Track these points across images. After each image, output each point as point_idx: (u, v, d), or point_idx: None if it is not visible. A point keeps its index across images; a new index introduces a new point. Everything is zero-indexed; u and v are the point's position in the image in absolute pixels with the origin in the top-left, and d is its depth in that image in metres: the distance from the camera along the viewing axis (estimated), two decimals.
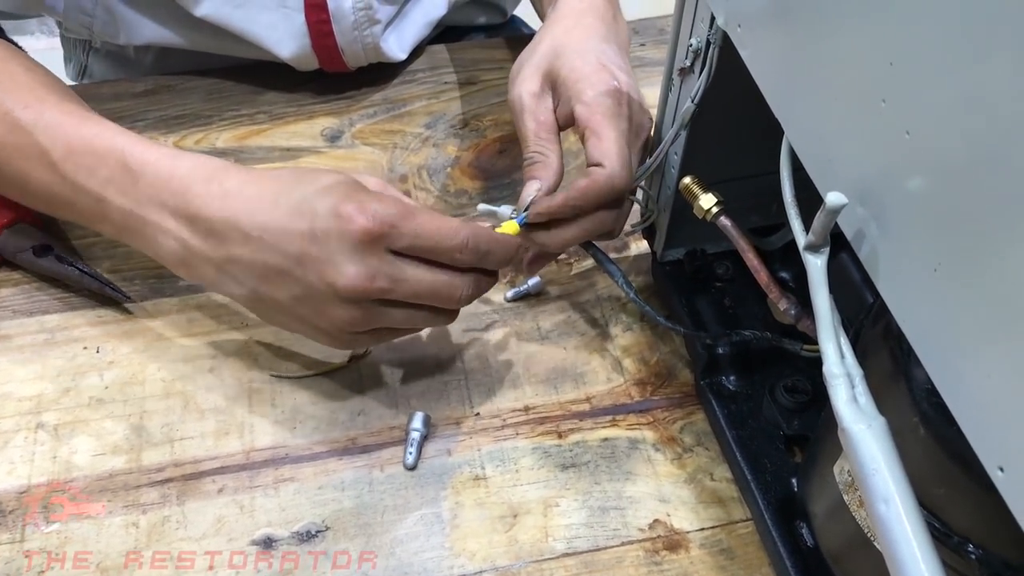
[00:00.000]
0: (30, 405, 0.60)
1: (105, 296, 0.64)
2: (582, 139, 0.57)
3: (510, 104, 0.61)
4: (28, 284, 0.66)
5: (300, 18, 0.75)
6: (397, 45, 0.81)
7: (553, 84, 0.60)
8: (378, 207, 0.50)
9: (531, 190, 0.57)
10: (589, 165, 0.56)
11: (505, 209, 0.58)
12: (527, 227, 0.56)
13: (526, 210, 0.56)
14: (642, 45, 0.87)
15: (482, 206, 0.60)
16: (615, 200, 0.56)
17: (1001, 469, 0.31)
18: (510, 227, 0.56)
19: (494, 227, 0.56)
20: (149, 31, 0.78)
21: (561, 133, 0.60)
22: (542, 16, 0.77)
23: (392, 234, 0.50)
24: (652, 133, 0.61)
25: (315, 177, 0.52)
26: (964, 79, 0.31)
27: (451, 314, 0.56)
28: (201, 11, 0.74)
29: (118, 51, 0.89)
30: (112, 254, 0.68)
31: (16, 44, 0.70)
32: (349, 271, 0.49)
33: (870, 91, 0.36)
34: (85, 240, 0.68)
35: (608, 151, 0.55)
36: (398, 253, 0.51)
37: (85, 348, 0.63)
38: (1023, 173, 0.29)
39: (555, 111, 0.60)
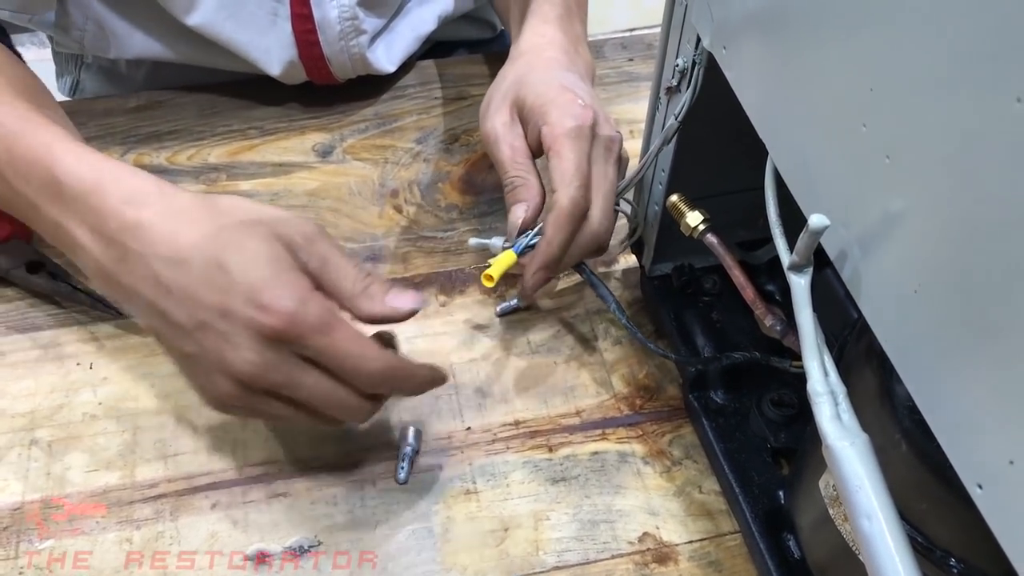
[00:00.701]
0: (24, 421, 0.60)
1: (97, 312, 0.65)
2: (547, 161, 0.59)
3: (484, 137, 0.63)
4: (21, 301, 0.66)
5: (288, 28, 0.76)
6: (386, 58, 0.82)
7: (520, 112, 0.62)
8: (297, 309, 0.47)
9: (518, 213, 0.58)
10: (553, 190, 0.57)
11: (497, 241, 0.60)
12: (522, 254, 0.58)
13: (519, 235, 0.58)
14: (630, 60, 0.88)
15: (473, 240, 0.61)
16: (583, 217, 0.58)
17: (980, 486, 0.32)
18: (507, 257, 0.58)
19: (489, 257, 0.58)
20: (139, 44, 0.78)
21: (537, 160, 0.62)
22: (508, 30, 0.78)
23: (298, 342, 0.48)
24: (636, 148, 0.62)
25: (240, 240, 0.49)
26: (942, 105, 0.32)
27: (339, 423, 0.53)
28: (193, 20, 0.74)
29: (110, 67, 0.89)
30: None
31: (15, 50, 0.71)
32: (245, 356, 0.47)
33: (851, 115, 0.37)
34: None
35: (566, 171, 0.57)
36: (304, 356, 0.49)
37: (78, 364, 0.63)
38: (998, 198, 0.30)
39: (526, 138, 0.62)
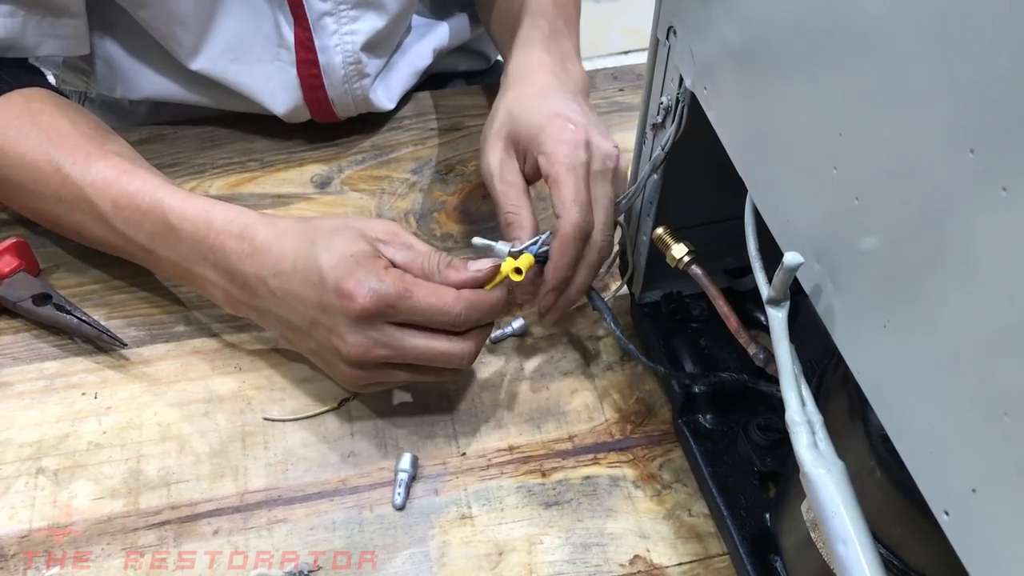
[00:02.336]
0: (30, 451, 0.61)
1: (102, 343, 0.67)
2: (549, 190, 0.61)
3: (482, 175, 0.66)
4: (27, 332, 0.68)
5: (292, 72, 0.78)
6: (385, 95, 0.84)
7: (515, 145, 0.64)
8: (378, 286, 0.54)
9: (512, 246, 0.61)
10: (555, 216, 0.60)
11: (503, 246, 0.61)
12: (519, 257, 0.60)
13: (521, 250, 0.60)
14: (620, 90, 0.90)
15: (477, 240, 0.62)
16: (587, 240, 0.60)
17: (946, 512, 0.34)
18: (525, 260, 0.59)
19: (489, 257, 0.60)
20: (147, 85, 0.80)
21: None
22: (504, 58, 0.80)
23: (389, 312, 0.55)
24: (628, 164, 0.64)
25: (328, 242, 0.56)
26: (904, 152, 0.34)
27: (455, 371, 0.61)
28: (196, 65, 0.76)
29: (113, 101, 0.91)
30: (108, 302, 0.70)
31: (61, 91, 0.73)
32: (350, 340, 0.55)
33: (822, 158, 0.39)
34: (82, 289, 0.71)
35: (566, 199, 0.59)
36: (399, 323, 0.56)
37: (83, 394, 0.65)
38: (958, 240, 0.32)
39: (523, 170, 0.64)
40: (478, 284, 0.58)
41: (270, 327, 0.62)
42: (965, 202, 0.31)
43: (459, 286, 0.57)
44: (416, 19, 0.88)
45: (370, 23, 0.78)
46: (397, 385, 0.64)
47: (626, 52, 2.19)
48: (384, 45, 0.81)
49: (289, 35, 0.76)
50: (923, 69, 0.32)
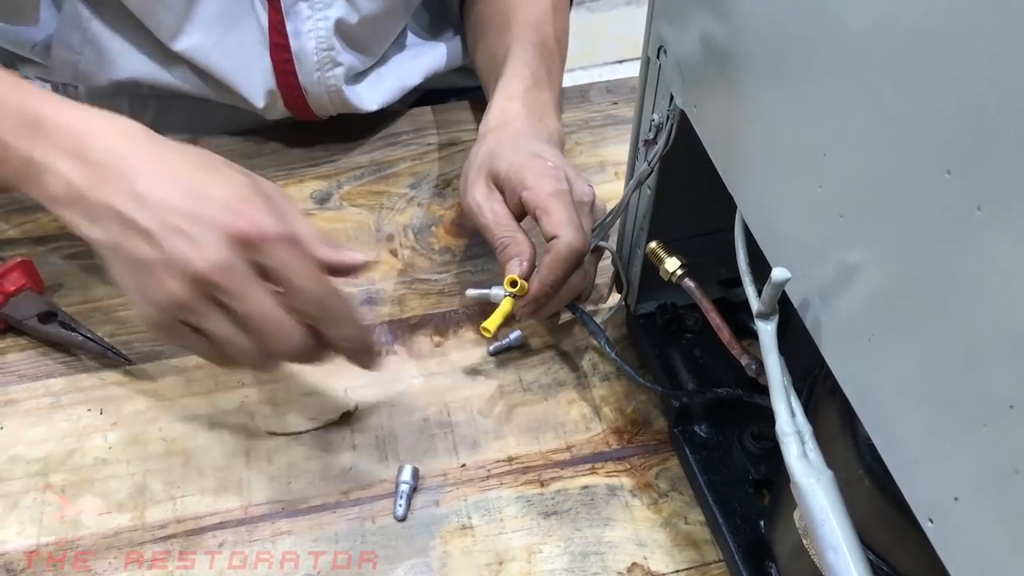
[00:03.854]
0: (38, 467, 0.63)
1: (107, 360, 0.68)
2: (536, 221, 0.63)
3: (467, 211, 0.67)
4: (33, 349, 0.69)
5: (267, 56, 0.79)
6: (368, 96, 0.85)
7: (497, 182, 0.66)
8: (267, 220, 0.52)
9: (513, 267, 0.62)
10: (547, 240, 0.61)
11: (498, 291, 0.63)
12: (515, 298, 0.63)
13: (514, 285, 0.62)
14: (615, 103, 0.91)
15: (471, 292, 0.65)
16: (579, 263, 0.62)
17: (931, 520, 0.35)
18: (507, 304, 0.62)
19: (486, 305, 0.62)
20: (129, 66, 0.81)
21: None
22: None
23: (265, 250, 0.52)
24: (620, 190, 0.65)
25: (223, 168, 0.55)
26: (885, 172, 0.35)
27: (263, 361, 0.56)
28: (179, 46, 0.78)
29: (107, 104, 0.92)
30: (112, 319, 0.71)
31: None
32: (208, 255, 0.51)
33: (808, 177, 0.40)
34: (86, 306, 0.72)
35: (559, 222, 0.61)
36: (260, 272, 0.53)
37: (89, 410, 0.66)
38: (938, 258, 0.33)
39: (506, 203, 0.65)
40: (346, 270, 0.56)
41: (95, 231, 0.54)
42: (943, 221, 0.32)
43: (328, 263, 0.55)
44: (411, 38, 0.89)
45: (340, 10, 0.79)
46: (196, 346, 0.56)
47: (620, 61, 2.21)
48: (361, 42, 0.82)
49: (264, 17, 0.78)
50: (901, 92, 0.33)
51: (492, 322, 0.62)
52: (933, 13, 0.31)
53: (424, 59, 0.89)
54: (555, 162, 0.65)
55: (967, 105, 0.30)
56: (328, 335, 0.55)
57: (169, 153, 0.55)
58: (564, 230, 0.60)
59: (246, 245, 0.52)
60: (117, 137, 0.55)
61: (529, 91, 0.75)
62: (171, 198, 0.53)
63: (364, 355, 0.58)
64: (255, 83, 0.81)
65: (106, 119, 0.57)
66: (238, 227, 0.51)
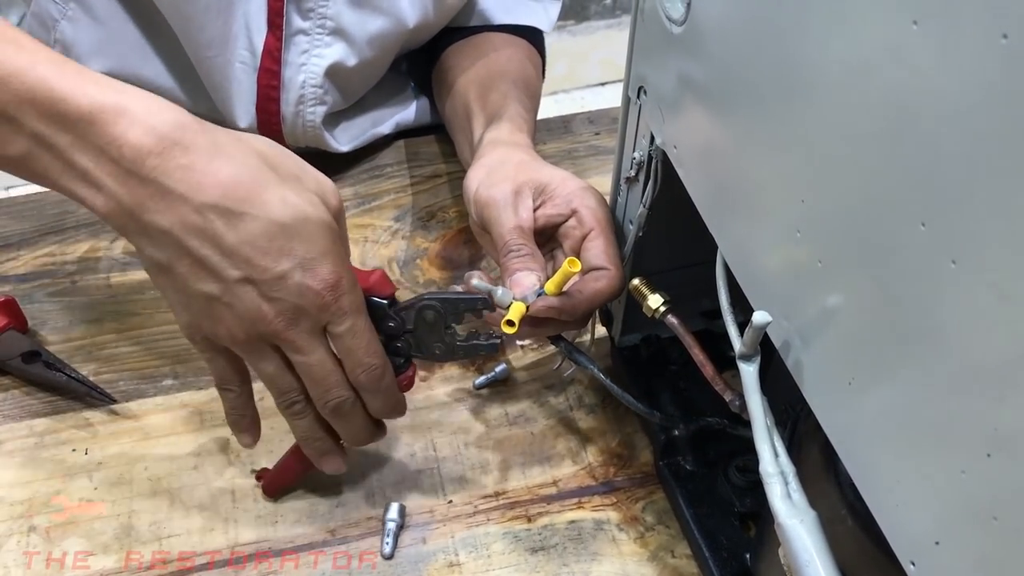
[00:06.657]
0: (22, 509, 0.62)
1: (92, 400, 0.68)
2: (577, 241, 0.61)
3: (484, 201, 0.62)
4: (17, 390, 0.69)
5: (253, 78, 0.80)
6: (343, 136, 0.86)
7: (537, 189, 0.62)
8: (342, 282, 0.50)
9: (531, 280, 0.57)
10: (591, 269, 0.59)
11: (505, 295, 0.57)
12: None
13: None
14: (596, 134, 0.92)
15: (478, 282, 0.57)
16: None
17: (913, 563, 0.35)
18: (517, 309, 0.56)
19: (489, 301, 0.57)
20: (98, 67, 0.78)
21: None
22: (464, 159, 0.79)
23: (334, 311, 0.51)
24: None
25: (294, 198, 0.49)
26: (861, 222, 0.36)
27: (302, 418, 0.56)
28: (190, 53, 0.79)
29: None
30: (96, 357, 0.71)
31: None
32: (283, 315, 0.50)
33: (787, 223, 0.40)
34: (70, 344, 0.72)
35: (613, 255, 0.60)
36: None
37: (74, 451, 0.65)
38: (915, 306, 0.33)
39: (535, 211, 0.62)
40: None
41: (150, 249, 0.49)
42: (919, 272, 0.33)
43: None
44: (389, 83, 0.90)
45: (339, 52, 0.80)
46: (242, 391, 0.57)
47: (603, 84, 2.22)
48: (349, 85, 0.83)
49: (259, 41, 0.79)
50: (876, 145, 0.34)
51: (515, 313, 0.56)
52: (906, 71, 0.32)
53: (395, 109, 0.90)
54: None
55: (938, 160, 0.31)
56: (369, 405, 0.56)
57: (232, 160, 0.48)
58: (616, 264, 0.60)
59: (319, 308, 0.50)
60: (166, 141, 0.46)
61: (525, 132, 0.73)
62: (252, 253, 0.48)
63: (380, 429, 0.60)
64: (240, 101, 0.81)
65: (143, 99, 0.47)
66: (315, 289, 0.49)
